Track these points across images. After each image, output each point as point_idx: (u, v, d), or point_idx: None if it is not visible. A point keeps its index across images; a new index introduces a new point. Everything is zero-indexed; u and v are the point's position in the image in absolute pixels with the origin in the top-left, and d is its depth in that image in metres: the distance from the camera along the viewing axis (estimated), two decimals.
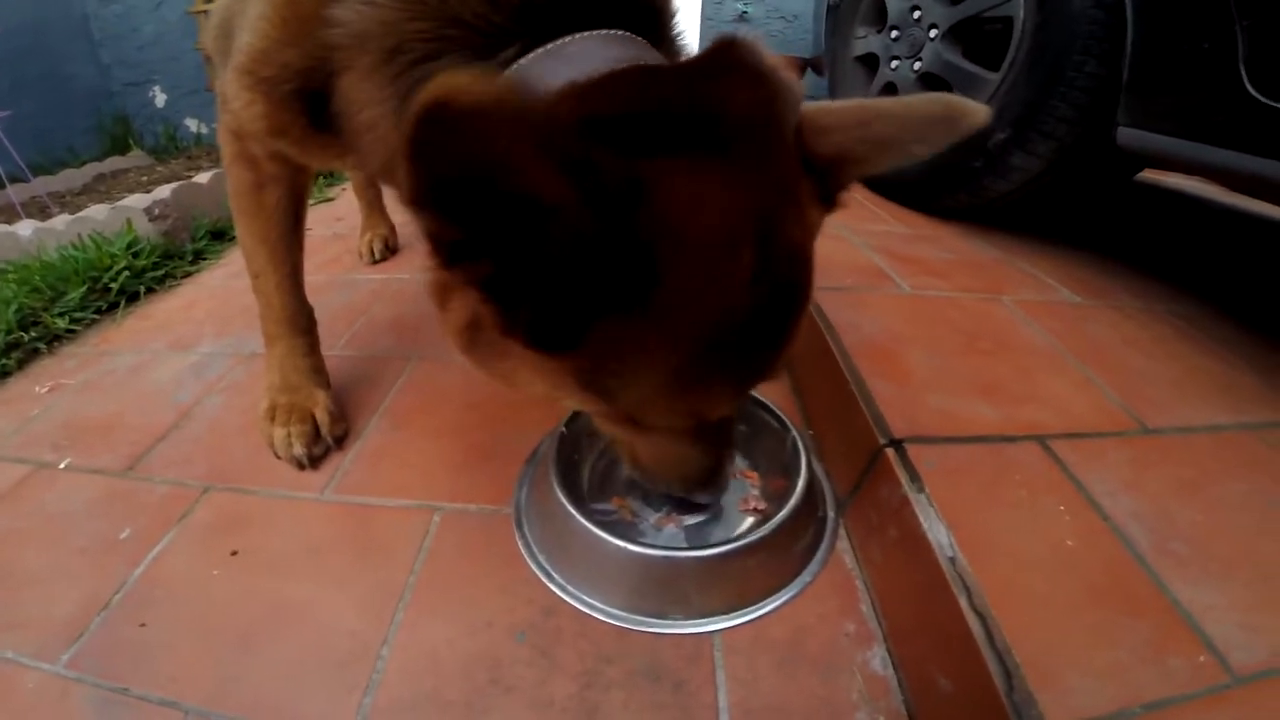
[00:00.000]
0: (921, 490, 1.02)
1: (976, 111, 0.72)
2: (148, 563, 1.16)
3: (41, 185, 3.91)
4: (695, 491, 1.05)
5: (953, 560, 0.91)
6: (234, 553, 1.17)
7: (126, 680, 0.98)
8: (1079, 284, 1.84)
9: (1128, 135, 1.66)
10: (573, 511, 1.09)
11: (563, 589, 1.09)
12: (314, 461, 1.36)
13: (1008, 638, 0.80)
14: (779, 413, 1.29)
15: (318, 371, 1.50)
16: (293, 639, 1.03)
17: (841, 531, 1.20)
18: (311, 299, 1.51)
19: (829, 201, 0.80)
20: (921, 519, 0.98)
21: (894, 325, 1.48)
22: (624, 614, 1.06)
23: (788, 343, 0.77)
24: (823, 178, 0.76)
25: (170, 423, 1.53)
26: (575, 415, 1.27)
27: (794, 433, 1.24)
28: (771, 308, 0.72)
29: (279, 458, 1.37)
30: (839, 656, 1.01)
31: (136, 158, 5.14)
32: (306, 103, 0.95)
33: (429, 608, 1.08)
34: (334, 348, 1.63)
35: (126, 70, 5.95)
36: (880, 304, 1.58)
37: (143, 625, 1.06)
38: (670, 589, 1.06)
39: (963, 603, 0.86)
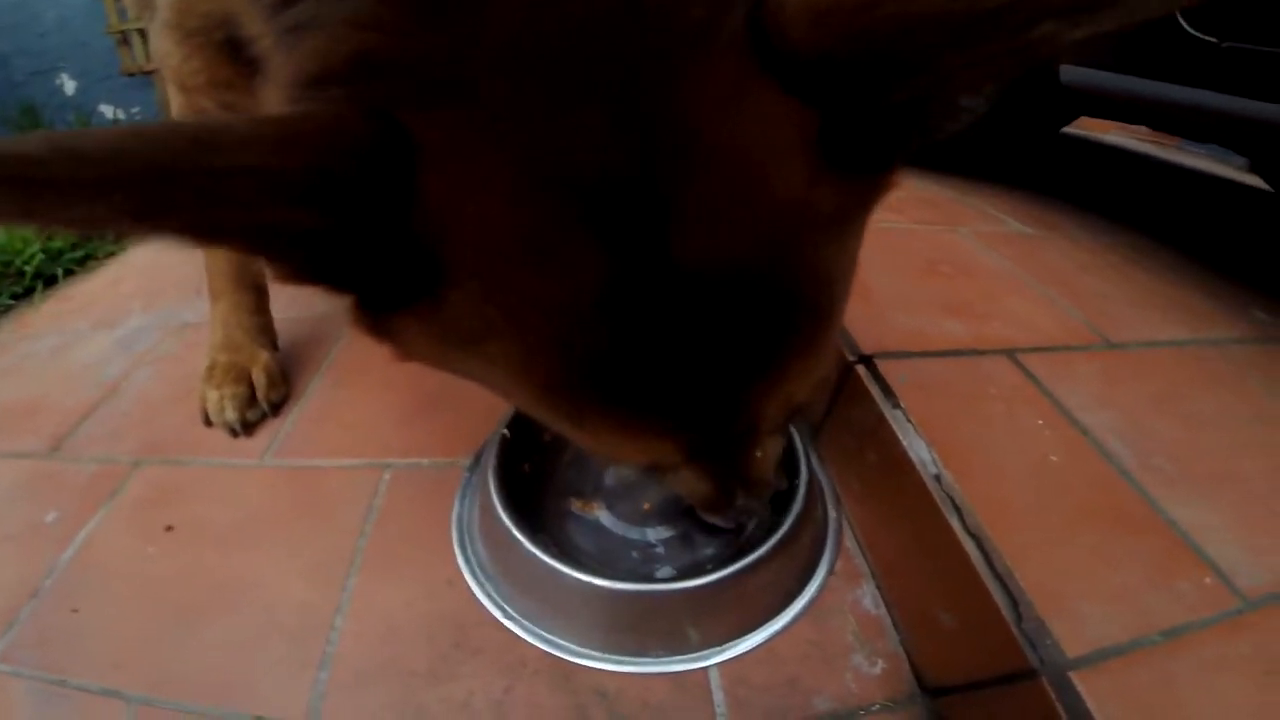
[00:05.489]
0: (897, 406, 0.98)
1: None
2: (77, 545, 1.09)
3: None
4: (706, 513, 0.81)
5: (938, 478, 0.87)
6: (169, 528, 1.11)
7: (64, 671, 0.92)
8: (1029, 218, 1.89)
9: (1070, 73, 1.75)
10: (522, 539, 0.93)
11: (520, 624, 0.94)
12: (247, 428, 1.30)
13: (1008, 561, 0.76)
14: None
15: (263, 331, 1.44)
16: (238, 615, 0.97)
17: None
18: None
19: (860, 161, 0.48)
20: (900, 436, 0.94)
21: None
22: (600, 654, 0.91)
23: (751, 374, 0.53)
24: (845, 110, 0.45)
25: (97, 399, 1.45)
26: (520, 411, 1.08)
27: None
28: (680, 325, 0.47)
29: (210, 425, 1.31)
30: (828, 596, 0.98)
31: None
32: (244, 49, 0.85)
33: (383, 570, 1.02)
34: (273, 311, 1.53)
35: (29, 59, 5.82)
36: None
37: (75, 611, 0.99)
38: (656, 624, 0.92)
39: (954, 524, 0.82)
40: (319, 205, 0.41)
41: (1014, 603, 0.73)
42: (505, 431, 1.09)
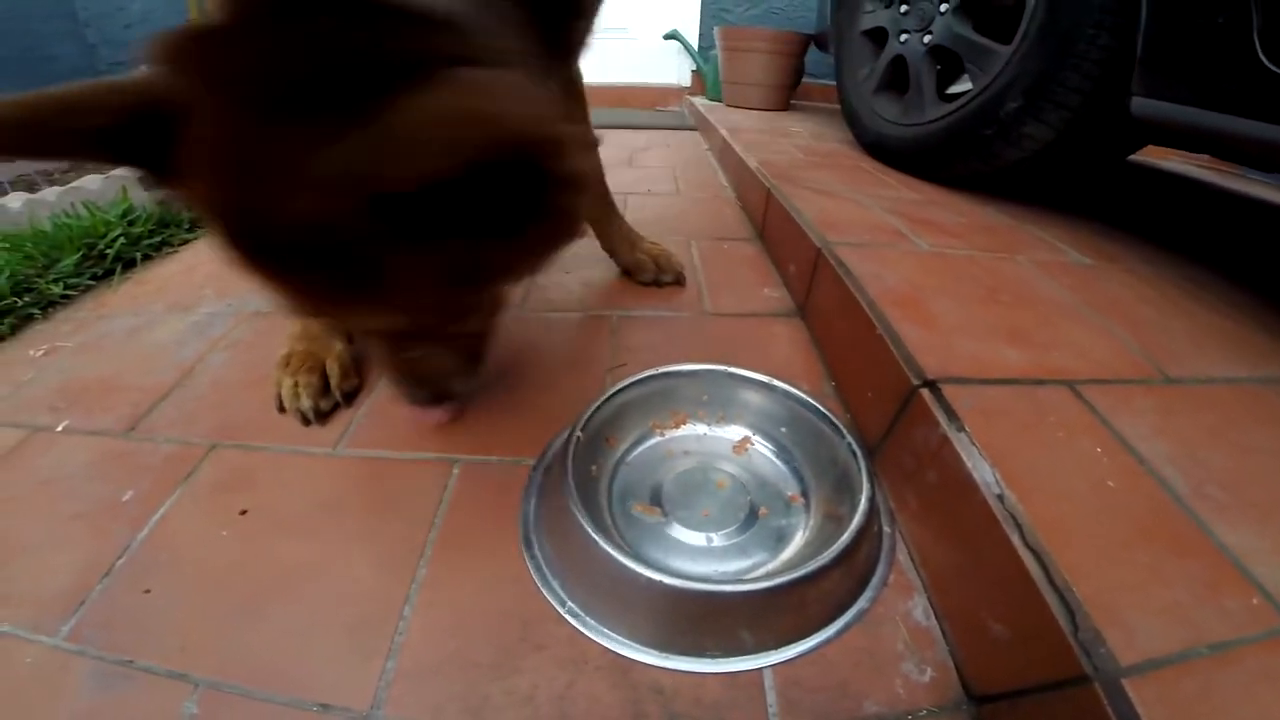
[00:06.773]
0: (962, 429, 0.98)
1: None
2: (151, 525, 1.11)
3: (28, 164, 3.82)
4: (406, 397, 1.09)
5: (1000, 498, 0.88)
6: (243, 512, 1.13)
7: (131, 652, 0.93)
8: (1089, 248, 1.87)
9: (1142, 105, 1.71)
10: (596, 537, 0.96)
11: (582, 621, 0.97)
12: (320, 416, 1.33)
13: (1066, 575, 0.77)
14: (832, 417, 1.19)
15: None
16: (308, 602, 0.99)
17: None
18: None
19: None
20: (964, 457, 0.94)
21: (915, 277, 1.48)
22: (658, 652, 0.94)
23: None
24: None
25: (172, 381, 1.49)
26: (592, 416, 1.18)
27: (849, 439, 1.14)
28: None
29: (283, 411, 1.34)
30: (880, 607, 0.99)
31: None
32: None
33: (452, 563, 1.04)
34: None
35: (114, 49, 5.89)
36: (900, 259, 1.58)
37: (147, 592, 1.01)
38: (715, 624, 0.94)
39: (1015, 540, 0.82)
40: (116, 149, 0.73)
41: (1070, 613, 0.74)
42: (580, 434, 1.12)
